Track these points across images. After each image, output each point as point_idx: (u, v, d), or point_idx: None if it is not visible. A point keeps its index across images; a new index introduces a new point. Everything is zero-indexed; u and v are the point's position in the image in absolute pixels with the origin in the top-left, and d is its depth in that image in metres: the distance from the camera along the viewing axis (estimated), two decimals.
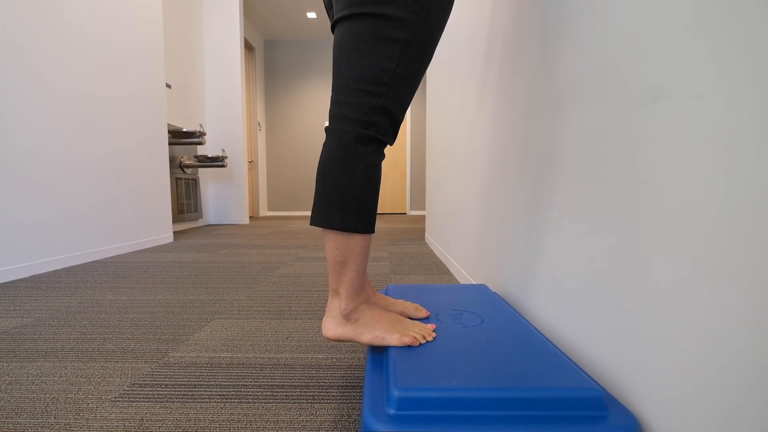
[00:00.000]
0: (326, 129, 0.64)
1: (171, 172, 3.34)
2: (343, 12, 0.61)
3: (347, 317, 0.64)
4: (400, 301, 0.76)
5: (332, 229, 0.61)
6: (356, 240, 0.62)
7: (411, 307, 0.74)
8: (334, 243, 0.62)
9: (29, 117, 1.70)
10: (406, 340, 0.61)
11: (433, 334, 0.64)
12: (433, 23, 0.62)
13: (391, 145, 0.67)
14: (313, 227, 3.65)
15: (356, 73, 0.60)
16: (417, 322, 0.67)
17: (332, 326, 0.65)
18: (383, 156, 0.65)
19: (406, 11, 0.59)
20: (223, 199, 4.24)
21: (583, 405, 0.46)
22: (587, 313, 0.60)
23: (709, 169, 0.38)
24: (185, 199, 3.56)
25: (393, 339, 0.61)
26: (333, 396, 0.71)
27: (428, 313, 0.74)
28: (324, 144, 0.64)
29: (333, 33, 0.66)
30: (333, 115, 0.64)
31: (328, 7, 0.72)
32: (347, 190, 0.60)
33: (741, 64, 0.35)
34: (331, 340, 0.66)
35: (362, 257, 0.63)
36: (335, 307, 0.65)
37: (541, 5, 0.79)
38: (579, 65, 0.63)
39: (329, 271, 0.64)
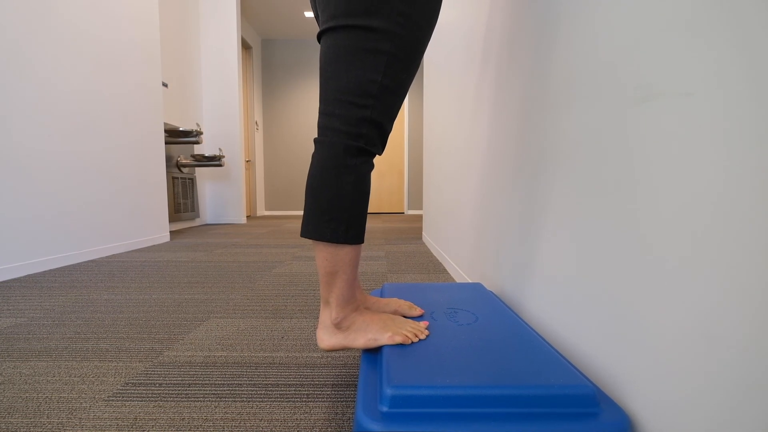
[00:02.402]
0: (315, 141, 0.64)
1: (168, 172, 3.33)
2: (329, 24, 0.61)
3: (338, 326, 0.65)
4: (394, 299, 0.76)
5: (322, 241, 0.61)
6: (346, 251, 0.62)
7: (405, 306, 0.74)
8: (324, 254, 0.62)
9: (24, 114, 1.69)
10: (398, 339, 0.61)
11: (426, 332, 0.64)
12: (418, 34, 0.62)
13: (379, 155, 0.67)
14: None
15: (343, 85, 0.61)
16: (409, 321, 0.67)
17: (326, 337, 0.66)
18: (372, 166, 0.65)
19: (391, 23, 0.59)
20: (220, 198, 4.23)
21: (575, 402, 0.46)
22: (581, 312, 0.60)
23: (704, 167, 0.38)
24: (182, 198, 3.55)
25: (385, 338, 0.62)
26: (327, 394, 0.71)
27: (422, 311, 0.75)
28: (313, 155, 0.64)
29: (319, 43, 0.66)
30: (322, 127, 0.64)
31: (317, 16, 0.72)
32: (337, 202, 0.61)
33: (733, 62, 0.36)
34: (326, 350, 0.67)
35: (352, 267, 0.64)
36: (327, 317, 0.66)
37: (537, 5, 0.79)
38: (574, 64, 0.64)
39: (320, 282, 0.65)
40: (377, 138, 0.63)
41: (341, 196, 0.61)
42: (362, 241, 0.64)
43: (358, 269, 0.66)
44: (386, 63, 0.60)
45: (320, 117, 0.64)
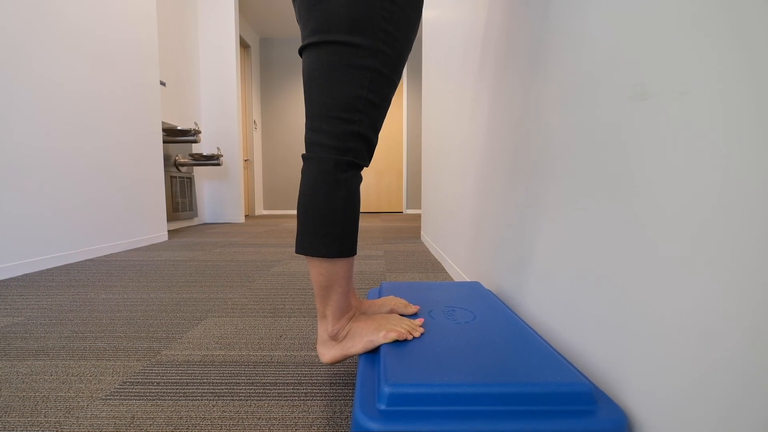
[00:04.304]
0: (304, 157, 0.64)
1: (166, 171, 3.32)
2: (311, 39, 0.61)
3: (335, 337, 0.65)
4: (389, 298, 0.76)
5: (318, 256, 0.62)
6: (340, 264, 0.63)
7: (401, 304, 0.75)
8: (318, 269, 0.63)
9: (21, 112, 1.69)
10: (392, 335, 0.62)
11: (421, 329, 0.65)
12: (400, 50, 0.63)
13: (366, 167, 0.67)
14: None
15: (329, 101, 0.61)
16: (404, 318, 0.68)
17: (325, 351, 0.66)
18: (361, 179, 0.66)
19: (374, 40, 0.60)
20: (218, 197, 4.22)
21: (572, 400, 0.46)
22: (578, 310, 0.61)
23: (703, 164, 0.39)
24: (180, 197, 3.54)
25: (380, 337, 0.62)
26: (325, 393, 0.71)
27: (417, 308, 0.75)
28: (303, 171, 0.64)
29: (300, 57, 0.66)
30: (309, 142, 0.64)
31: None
32: (330, 217, 0.61)
33: (733, 60, 0.36)
34: (328, 363, 0.67)
35: (347, 279, 0.64)
36: (324, 331, 0.66)
37: (535, 4, 0.79)
38: (571, 63, 0.64)
39: (316, 297, 0.65)
40: (365, 151, 0.64)
41: (334, 211, 0.61)
42: (356, 253, 0.65)
43: (352, 279, 0.67)
44: (371, 79, 0.61)
45: (307, 132, 0.64)
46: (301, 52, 0.65)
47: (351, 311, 0.67)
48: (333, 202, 0.61)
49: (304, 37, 0.63)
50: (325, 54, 0.60)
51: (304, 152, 0.65)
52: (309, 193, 0.62)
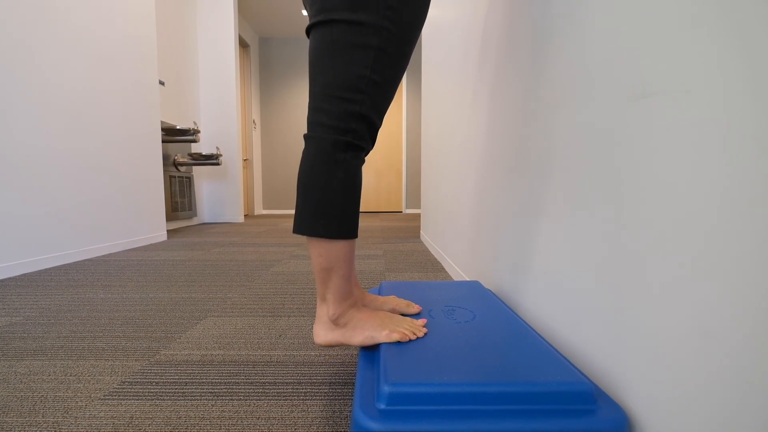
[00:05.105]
0: (305, 136, 0.64)
1: (165, 170, 3.31)
2: (317, 18, 0.61)
3: (336, 322, 0.65)
4: (392, 297, 0.76)
5: (315, 236, 0.61)
6: (340, 246, 0.62)
7: (402, 304, 0.74)
8: (318, 250, 0.62)
9: (20, 111, 1.68)
10: (395, 336, 0.61)
11: (424, 330, 0.64)
12: (406, 29, 0.62)
13: (369, 150, 0.67)
14: None
15: (331, 80, 0.60)
16: (407, 318, 0.67)
17: (322, 332, 0.66)
18: (363, 161, 0.65)
19: (379, 17, 0.59)
20: (217, 197, 4.22)
21: (572, 399, 0.46)
22: (578, 309, 0.61)
23: (703, 165, 0.38)
24: (179, 197, 3.53)
25: (382, 336, 0.62)
26: (325, 392, 0.71)
27: (419, 308, 0.75)
28: (303, 151, 0.64)
29: (308, 37, 0.65)
30: (311, 122, 0.64)
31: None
32: (328, 198, 0.61)
33: (733, 59, 0.35)
34: (323, 345, 0.66)
35: (347, 263, 0.63)
36: (324, 313, 0.66)
37: (535, 3, 0.79)
38: (571, 62, 0.64)
39: (316, 279, 0.65)
40: (366, 132, 0.63)
41: (332, 191, 0.61)
42: (356, 236, 0.64)
43: (353, 265, 0.66)
44: (374, 58, 0.60)
45: (309, 112, 0.64)
46: (308, 33, 0.65)
47: (353, 298, 0.67)
48: (331, 182, 0.60)
49: (310, 17, 0.63)
50: (329, 33, 0.60)
51: (306, 132, 0.64)
52: (308, 172, 0.62)
